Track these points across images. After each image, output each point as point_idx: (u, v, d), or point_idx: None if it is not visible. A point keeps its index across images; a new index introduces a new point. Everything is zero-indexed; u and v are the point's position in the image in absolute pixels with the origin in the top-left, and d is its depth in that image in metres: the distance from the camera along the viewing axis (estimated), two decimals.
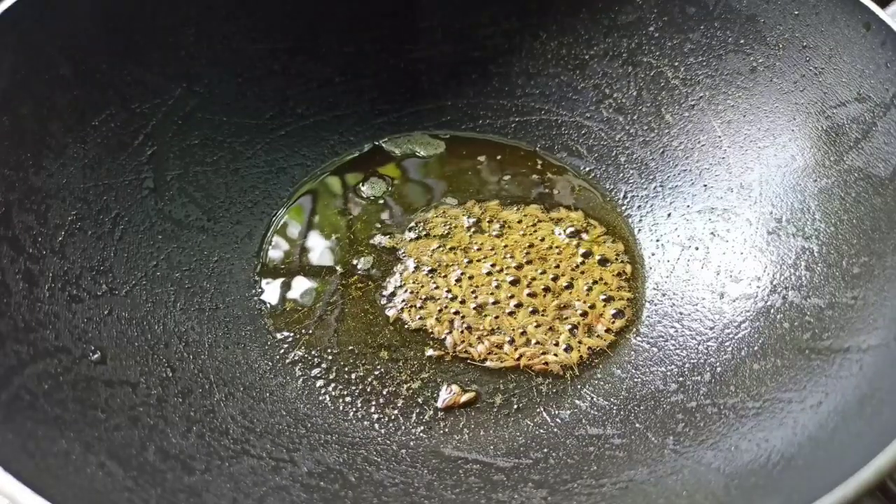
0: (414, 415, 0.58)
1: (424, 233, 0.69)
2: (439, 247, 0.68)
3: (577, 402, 0.58)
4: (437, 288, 0.65)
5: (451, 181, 0.73)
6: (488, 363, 0.61)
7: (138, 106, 0.63)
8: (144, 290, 0.59)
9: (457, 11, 0.73)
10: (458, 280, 0.66)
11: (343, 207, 0.71)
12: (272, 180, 0.71)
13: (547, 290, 0.65)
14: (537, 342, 0.62)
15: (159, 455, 0.47)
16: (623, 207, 0.71)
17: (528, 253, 0.67)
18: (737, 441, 0.49)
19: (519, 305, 0.64)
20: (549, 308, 0.64)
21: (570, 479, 0.50)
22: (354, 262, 0.67)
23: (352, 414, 0.58)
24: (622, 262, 0.67)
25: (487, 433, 0.57)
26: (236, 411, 0.55)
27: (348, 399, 0.59)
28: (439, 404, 0.58)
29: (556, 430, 0.56)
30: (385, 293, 0.65)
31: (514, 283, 0.65)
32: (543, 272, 0.66)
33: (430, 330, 0.63)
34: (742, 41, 0.65)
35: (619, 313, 0.63)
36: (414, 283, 0.66)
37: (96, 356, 0.51)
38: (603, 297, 0.64)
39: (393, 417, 0.58)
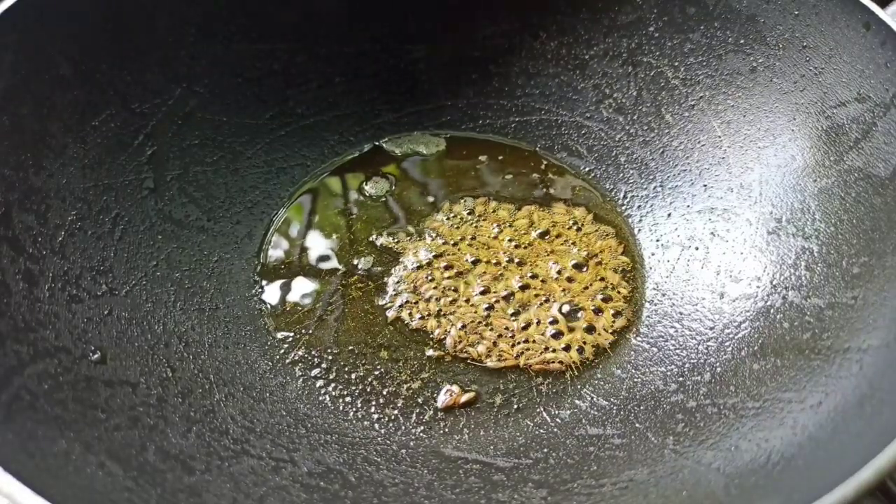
0: (414, 415, 0.58)
1: (425, 233, 0.69)
2: (440, 246, 0.68)
3: (577, 402, 0.58)
4: (437, 287, 0.65)
5: (452, 181, 0.73)
6: (488, 363, 0.61)
7: (138, 106, 0.63)
8: (144, 290, 0.59)
9: (457, 11, 0.73)
10: (458, 279, 0.66)
11: (343, 207, 0.71)
12: (272, 180, 0.71)
13: (546, 290, 0.65)
14: (537, 341, 0.62)
15: (159, 455, 0.47)
16: (623, 207, 0.71)
17: (527, 253, 0.67)
18: (737, 441, 0.49)
19: (519, 305, 0.64)
20: (550, 308, 0.64)
21: (570, 479, 0.50)
22: (355, 261, 0.67)
23: (352, 414, 0.58)
24: (622, 261, 0.67)
25: (487, 433, 0.57)
26: (236, 411, 0.55)
27: (348, 399, 0.59)
28: (439, 404, 0.58)
29: (556, 430, 0.56)
30: (385, 293, 0.65)
31: (514, 282, 0.65)
32: (543, 272, 0.66)
33: (430, 330, 0.63)
34: (742, 41, 0.65)
35: (618, 313, 0.63)
36: (414, 282, 0.66)
37: (96, 356, 0.51)
38: (602, 296, 0.64)
39: (393, 417, 0.58)
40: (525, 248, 0.68)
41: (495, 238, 0.68)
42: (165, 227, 0.63)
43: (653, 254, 0.67)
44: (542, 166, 0.74)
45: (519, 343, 0.62)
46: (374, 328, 0.63)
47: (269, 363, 0.60)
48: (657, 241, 0.67)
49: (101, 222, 0.58)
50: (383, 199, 0.72)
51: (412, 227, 0.70)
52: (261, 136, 0.71)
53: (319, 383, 0.60)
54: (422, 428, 0.57)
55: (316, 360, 0.61)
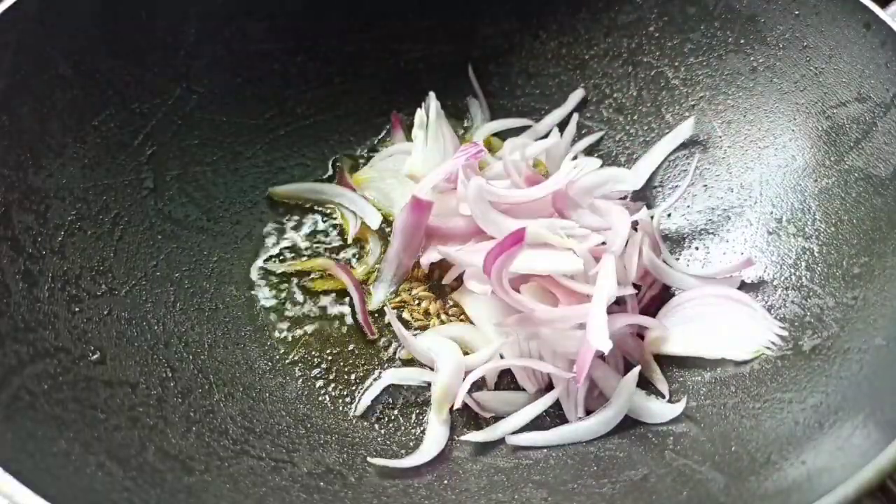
0: (414, 415, 0.58)
1: None
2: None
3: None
4: (438, 286, 0.65)
5: None
6: None
7: (138, 106, 0.63)
8: (144, 290, 0.59)
9: (457, 11, 0.73)
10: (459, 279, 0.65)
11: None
12: (272, 180, 0.71)
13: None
14: None
15: (159, 455, 0.47)
16: None
17: None
18: (737, 441, 0.49)
19: None
20: None
21: (570, 479, 0.50)
22: (356, 261, 0.67)
23: (352, 414, 0.58)
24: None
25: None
26: (236, 412, 0.55)
27: (348, 399, 0.59)
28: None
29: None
30: (386, 294, 0.65)
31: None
32: None
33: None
34: (742, 41, 0.65)
35: None
36: (416, 283, 0.65)
37: (96, 356, 0.51)
38: None
39: (393, 417, 0.58)
40: None
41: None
42: (165, 227, 0.63)
43: None
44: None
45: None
46: (375, 328, 0.63)
47: (269, 363, 0.60)
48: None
49: (101, 222, 0.58)
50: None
51: None
52: (261, 136, 0.71)
53: (319, 383, 0.60)
54: (422, 428, 0.57)
55: (316, 360, 0.61)
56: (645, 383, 0.57)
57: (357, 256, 0.68)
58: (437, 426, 0.56)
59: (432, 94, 0.67)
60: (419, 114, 0.67)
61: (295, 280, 0.66)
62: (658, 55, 0.70)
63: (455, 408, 0.55)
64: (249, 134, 0.70)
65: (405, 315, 0.64)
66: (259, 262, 0.67)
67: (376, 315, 0.64)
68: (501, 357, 0.58)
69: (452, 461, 0.54)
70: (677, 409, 0.53)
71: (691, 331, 0.58)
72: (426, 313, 0.63)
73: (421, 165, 0.65)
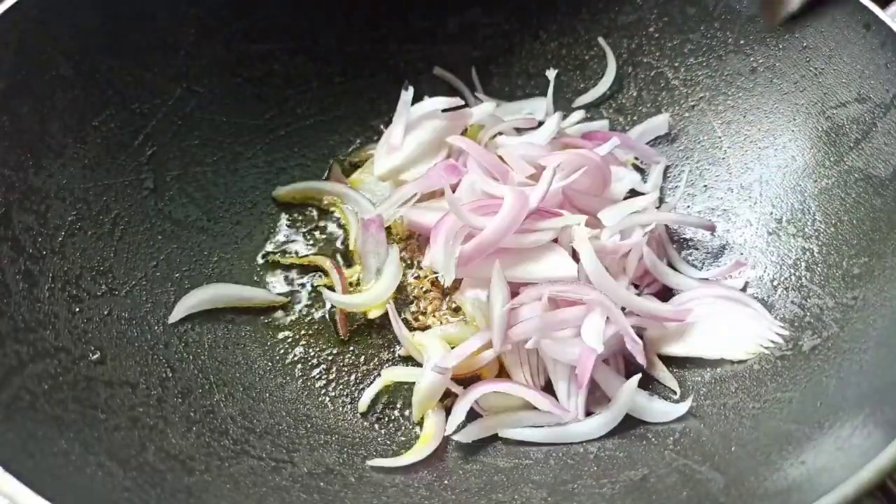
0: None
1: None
2: None
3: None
4: (439, 287, 0.65)
5: None
6: None
7: (138, 106, 0.63)
8: (144, 290, 0.59)
9: (457, 11, 0.73)
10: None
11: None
12: (272, 180, 0.71)
13: None
14: None
15: (159, 455, 0.47)
16: None
17: None
18: (737, 441, 0.49)
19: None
20: None
21: (570, 479, 0.50)
22: (356, 261, 0.67)
23: (352, 414, 0.58)
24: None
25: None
26: (236, 412, 0.55)
27: (348, 399, 0.59)
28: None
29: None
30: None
31: None
32: None
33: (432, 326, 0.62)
34: (742, 42, 0.65)
35: None
36: (417, 283, 0.65)
37: (96, 356, 0.51)
38: None
39: (393, 418, 0.58)
40: None
41: None
42: (165, 227, 0.63)
43: None
44: None
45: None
46: (375, 328, 0.63)
47: (269, 363, 0.60)
48: None
49: (101, 222, 0.58)
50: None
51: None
52: (261, 136, 0.71)
53: (319, 383, 0.60)
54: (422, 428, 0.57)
55: (316, 360, 0.61)
56: (646, 383, 0.57)
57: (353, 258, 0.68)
58: (433, 423, 0.56)
59: (410, 89, 0.67)
60: (398, 109, 0.67)
61: (295, 280, 0.66)
62: (658, 55, 0.70)
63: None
64: (249, 134, 0.70)
65: (407, 316, 0.63)
66: (259, 262, 0.67)
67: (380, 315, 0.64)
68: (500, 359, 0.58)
69: (452, 461, 0.54)
70: (682, 408, 0.53)
71: (691, 331, 0.58)
72: (426, 313, 0.63)
73: (389, 168, 0.67)
